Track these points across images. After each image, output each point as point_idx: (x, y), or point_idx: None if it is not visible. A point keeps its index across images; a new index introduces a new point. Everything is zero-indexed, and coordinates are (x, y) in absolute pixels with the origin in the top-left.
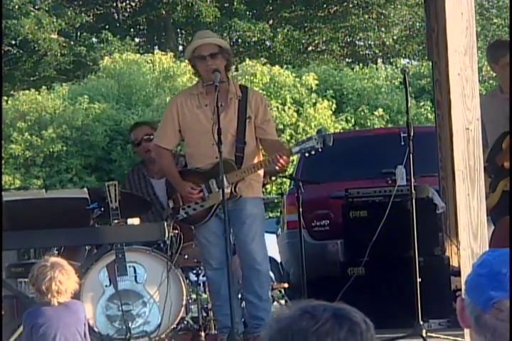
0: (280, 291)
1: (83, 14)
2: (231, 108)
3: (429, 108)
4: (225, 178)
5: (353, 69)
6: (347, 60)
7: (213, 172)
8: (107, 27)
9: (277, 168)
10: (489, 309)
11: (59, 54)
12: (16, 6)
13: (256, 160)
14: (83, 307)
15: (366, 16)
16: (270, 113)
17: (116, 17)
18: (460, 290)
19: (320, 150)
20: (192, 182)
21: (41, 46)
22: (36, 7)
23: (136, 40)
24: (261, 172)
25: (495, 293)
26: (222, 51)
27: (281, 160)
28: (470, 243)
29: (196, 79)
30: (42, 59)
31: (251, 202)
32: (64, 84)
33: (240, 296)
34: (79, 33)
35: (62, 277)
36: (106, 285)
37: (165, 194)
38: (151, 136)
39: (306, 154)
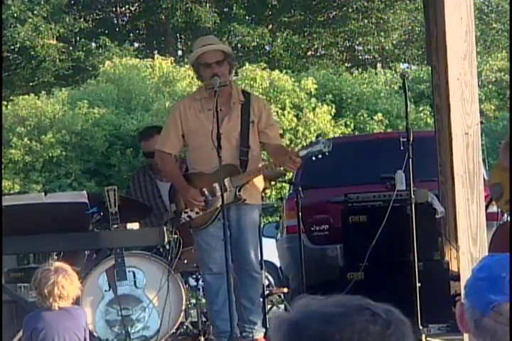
0: (279, 296)
1: (82, 19)
2: (234, 112)
3: (428, 112)
4: (229, 182)
5: (352, 73)
6: (346, 64)
7: (217, 176)
8: (106, 32)
9: (290, 169)
10: (488, 312)
11: (57, 60)
12: (15, 14)
13: (259, 164)
14: (84, 313)
15: (366, 21)
16: (273, 118)
17: (116, 22)
18: (459, 294)
19: (327, 154)
20: (196, 186)
21: (39, 52)
22: (35, 13)
23: (136, 45)
24: (261, 179)
25: (494, 296)
26: (227, 57)
27: (297, 161)
28: (469, 247)
29: (198, 83)
30: (40, 65)
31: (251, 209)
32: (63, 89)
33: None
34: (78, 39)
35: (65, 282)
36: (105, 290)
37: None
38: None
39: (313, 158)
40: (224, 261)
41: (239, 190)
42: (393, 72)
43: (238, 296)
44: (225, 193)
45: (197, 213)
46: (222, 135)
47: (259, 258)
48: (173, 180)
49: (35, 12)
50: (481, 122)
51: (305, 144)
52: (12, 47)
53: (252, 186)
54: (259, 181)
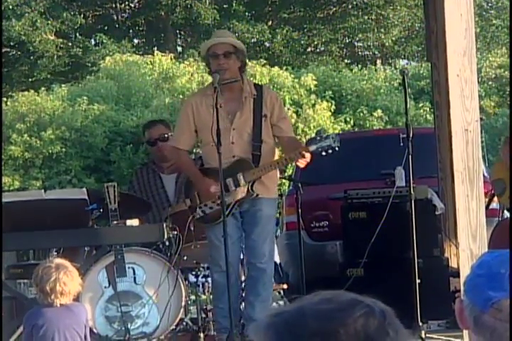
0: (279, 292)
1: (81, 15)
2: (246, 107)
3: (428, 109)
4: (242, 177)
5: (352, 70)
6: (346, 61)
7: (230, 171)
8: (105, 28)
9: (300, 164)
10: (488, 309)
11: (55, 56)
12: (10, 6)
13: (273, 158)
14: (85, 309)
15: (365, 17)
16: (285, 111)
17: (115, 18)
18: (459, 291)
19: (337, 149)
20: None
21: (37, 48)
22: (32, 8)
23: (135, 41)
24: (277, 172)
25: (493, 293)
26: (237, 51)
27: (306, 156)
28: (469, 244)
29: (197, 79)
30: (38, 61)
31: (267, 202)
32: (63, 85)
33: (241, 296)
34: (77, 34)
35: (67, 278)
36: (105, 287)
37: (174, 189)
38: (166, 135)
39: (323, 153)
40: (234, 259)
41: (251, 185)
42: (393, 68)
43: (247, 292)
44: (238, 188)
45: (211, 208)
46: (234, 130)
47: (273, 253)
48: (188, 173)
49: (32, 7)
50: (481, 119)
51: (304, 140)
52: (11, 43)
53: (268, 179)
54: (274, 174)
